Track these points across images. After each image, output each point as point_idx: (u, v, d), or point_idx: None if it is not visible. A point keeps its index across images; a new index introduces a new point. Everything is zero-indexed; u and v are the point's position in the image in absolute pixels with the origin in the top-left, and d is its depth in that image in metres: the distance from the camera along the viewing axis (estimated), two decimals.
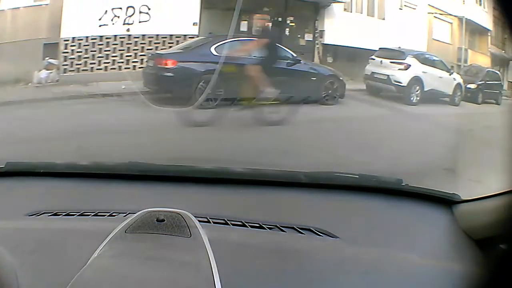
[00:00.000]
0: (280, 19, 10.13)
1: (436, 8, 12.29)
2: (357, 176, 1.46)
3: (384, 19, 11.37)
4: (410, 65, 9.07)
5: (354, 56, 10.38)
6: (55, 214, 1.22)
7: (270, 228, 1.13)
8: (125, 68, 8.54)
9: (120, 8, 8.54)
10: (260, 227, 1.13)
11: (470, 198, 1.26)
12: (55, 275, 0.88)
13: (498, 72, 13.14)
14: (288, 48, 8.06)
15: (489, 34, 14.23)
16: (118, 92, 7.35)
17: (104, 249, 0.89)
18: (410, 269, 1.01)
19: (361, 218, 1.27)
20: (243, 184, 1.42)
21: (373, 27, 10.87)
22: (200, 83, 6.54)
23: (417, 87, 8.99)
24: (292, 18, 10.43)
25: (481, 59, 13.56)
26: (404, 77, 8.91)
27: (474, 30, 13.65)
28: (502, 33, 14.78)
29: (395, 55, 9.27)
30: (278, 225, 1.14)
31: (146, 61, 7.98)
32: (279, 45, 7.59)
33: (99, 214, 1.21)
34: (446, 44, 12.80)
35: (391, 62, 9.07)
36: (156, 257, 0.86)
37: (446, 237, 1.20)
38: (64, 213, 1.21)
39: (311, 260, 1.01)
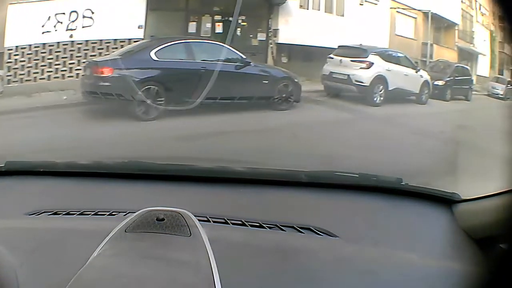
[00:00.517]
0: (231, 18, 9.28)
1: (399, 2, 11.82)
2: (357, 176, 1.46)
3: (343, 15, 10.82)
4: (372, 63, 8.41)
5: (311, 55, 9.71)
6: (55, 213, 1.22)
7: (270, 227, 1.13)
8: (69, 76, 7.95)
9: (64, 13, 7.97)
10: (260, 226, 1.13)
11: (470, 198, 1.26)
12: (55, 274, 0.88)
13: (467, 67, 12.58)
14: (240, 49, 7.39)
15: (456, 28, 13.75)
16: (59, 104, 6.72)
17: (104, 248, 0.89)
18: (409, 268, 1.01)
19: (361, 217, 1.27)
20: (243, 183, 1.42)
21: (332, 24, 10.26)
22: (139, 92, 5.79)
23: (381, 87, 8.29)
24: (244, 17, 9.71)
25: (448, 54, 13.05)
26: (366, 76, 8.22)
27: (440, 24, 13.13)
28: (470, 26, 14.66)
29: (356, 53, 8.55)
30: (278, 224, 1.14)
31: (84, 70, 7.22)
32: (227, 47, 6.98)
33: (99, 213, 1.21)
34: (410, 39, 12.28)
35: (351, 60, 8.37)
36: (156, 256, 0.86)
37: (446, 236, 1.20)
38: (64, 212, 1.21)
39: (311, 259, 1.01)
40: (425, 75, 9.59)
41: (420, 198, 1.33)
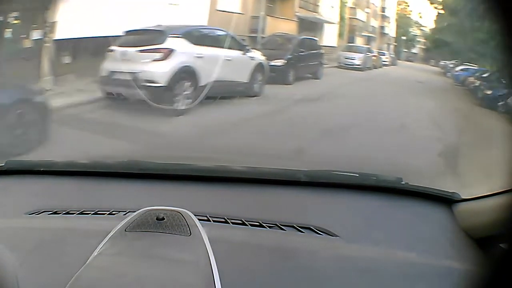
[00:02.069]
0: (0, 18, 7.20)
1: None
2: (357, 175, 1.45)
3: None
4: (172, 50, 5.77)
5: (105, 49, 7.09)
6: (55, 213, 1.22)
7: (270, 227, 1.13)
8: None
9: None
10: (260, 225, 1.14)
11: (470, 197, 1.26)
12: (55, 274, 0.88)
13: (316, 39, 10.33)
14: (7, 56, 5.41)
15: None
16: None
17: (104, 247, 0.89)
18: (409, 268, 1.01)
19: (360, 216, 1.27)
20: (243, 182, 1.42)
21: (130, 5, 7.68)
22: None
23: (187, 84, 5.70)
24: (17, 14, 7.34)
25: (286, 26, 11.03)
26: (161, 72, 5.57)
27: None
28: None
29: (147, 38, 5.93)
30: (278, 224, 1.14)
31: None
32: None
33: (99, 212, 1.21)
34: (236, 14, 10.06)
35: (139, 51, 5.73)
36: (156, 256, 0.86)
37: (446, 236, 1.20)
38: (63, 212, 1.22)
39: (311, 259, 1.01)
40: (258, 56, 7.22)
41: (420, 198, 1.33)
